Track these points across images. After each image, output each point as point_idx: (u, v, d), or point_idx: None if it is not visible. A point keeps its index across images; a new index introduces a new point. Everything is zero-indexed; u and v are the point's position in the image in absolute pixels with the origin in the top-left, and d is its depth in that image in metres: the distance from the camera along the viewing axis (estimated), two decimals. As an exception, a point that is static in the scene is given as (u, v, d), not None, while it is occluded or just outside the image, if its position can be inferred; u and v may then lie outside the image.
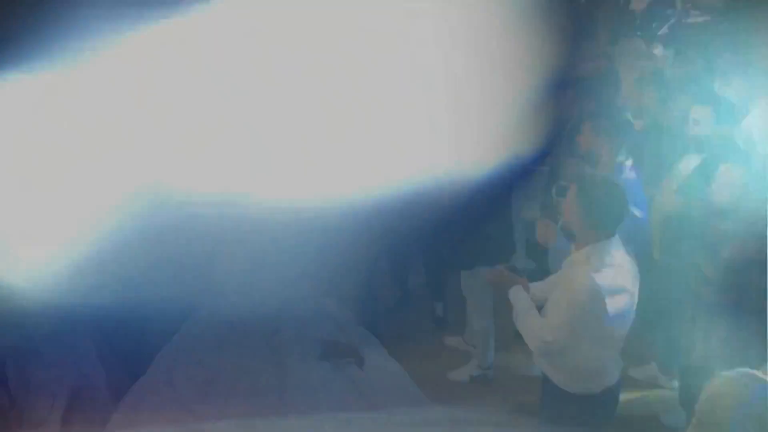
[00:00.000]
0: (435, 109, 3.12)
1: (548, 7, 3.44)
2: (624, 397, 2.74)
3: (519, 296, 2.56)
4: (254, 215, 2.61)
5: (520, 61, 3.29)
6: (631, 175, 3.22)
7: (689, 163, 3.29)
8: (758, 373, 1.60)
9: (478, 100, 3.24)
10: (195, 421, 2.32)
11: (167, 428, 2.35)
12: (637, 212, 2.93)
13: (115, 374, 2.77)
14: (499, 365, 4.03)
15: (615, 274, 2.38)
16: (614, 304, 2.35)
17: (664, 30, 7.88)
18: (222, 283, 2.68)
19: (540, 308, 2.55)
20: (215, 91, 2.77)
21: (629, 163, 3.15)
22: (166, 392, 2.49)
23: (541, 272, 3.84)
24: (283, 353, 2.52)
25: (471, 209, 3.51)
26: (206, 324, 2.67)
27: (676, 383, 3.82)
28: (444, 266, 4.48)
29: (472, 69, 3.17)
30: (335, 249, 2.75)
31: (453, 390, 3.75)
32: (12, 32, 2.57)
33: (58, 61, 2.57)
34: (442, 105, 3.12)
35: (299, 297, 2.70)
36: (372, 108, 2.93)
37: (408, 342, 4.15)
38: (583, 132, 3.15)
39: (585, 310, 2.36)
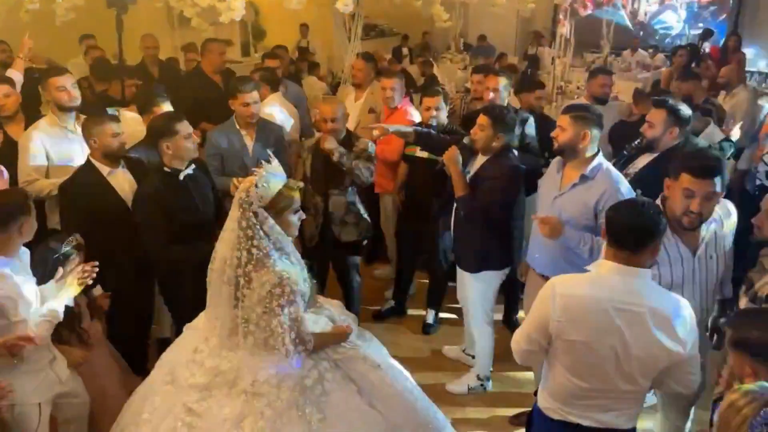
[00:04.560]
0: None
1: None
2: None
3: None
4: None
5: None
6: None
7: None
8: None
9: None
10: None
11: None
12: None
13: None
14: (496, 377, 4.00)
15: (619, 302, 2.14)
16: (602, 335, 2.15)
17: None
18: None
19: None
20: None
21: None
22: None
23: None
24: None
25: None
26: None
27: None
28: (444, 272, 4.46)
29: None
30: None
31: (451, 401, 3.72)
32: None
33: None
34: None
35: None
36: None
37: (405, 352, 4.12)
38: None
39: (546, 320, 2.20)
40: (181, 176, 3.30)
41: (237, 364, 2.45)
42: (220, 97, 4.80)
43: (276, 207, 2.46)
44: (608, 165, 3.17)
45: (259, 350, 2.44)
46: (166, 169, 3.29)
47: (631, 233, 2.16)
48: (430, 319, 4.63)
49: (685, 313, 2.21)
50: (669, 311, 2.17)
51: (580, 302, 2.19)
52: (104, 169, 3.43)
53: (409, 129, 4.03)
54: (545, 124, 4.57)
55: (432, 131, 4.06)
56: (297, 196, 2.55)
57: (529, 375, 3.82)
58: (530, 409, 3.61)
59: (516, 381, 4.01)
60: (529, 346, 2.34)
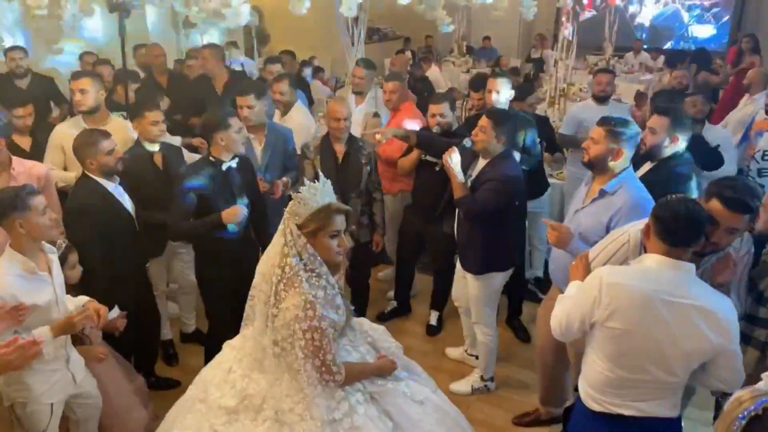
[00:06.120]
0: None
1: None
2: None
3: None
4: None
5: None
6: None
7: None
8: None
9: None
10: None
11: None
12: None
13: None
14: (500, 377, 4.02)
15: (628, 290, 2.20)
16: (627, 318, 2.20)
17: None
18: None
19: None
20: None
21: None
22: None
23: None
24: None
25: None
26: None
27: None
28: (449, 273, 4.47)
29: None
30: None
31: (455, 402, 3.72)
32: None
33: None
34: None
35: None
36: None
37: (408, 353, 4.13)
38: None
39: (590, 306, 2.26)
40: (224, 167, 3.46)
41: (264, 387, 2.38)
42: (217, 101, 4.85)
43: (309, 227, 2.34)
44: (633, 182, 3.01)
45: (285, 374, 2.35)
46: (211, 158, 3.50)
47: (685, 228, 2.19)
48: (433, 321, 4.65)
49: (728, 307, 2.23)
50: (713, 305, 2.19)
51: (628, 291, 2.21)
52: (109, 185, 3.38)
53: (411, 132, 4.06)
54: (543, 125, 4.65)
55: (433, 134, 4.09)
56: (337, 218, 2.37)
57: (533, 375, 3.83)
58: (534, 409, 3.68)
59: (520, 381, 4.03)
60: (567, 328, 2.39)
